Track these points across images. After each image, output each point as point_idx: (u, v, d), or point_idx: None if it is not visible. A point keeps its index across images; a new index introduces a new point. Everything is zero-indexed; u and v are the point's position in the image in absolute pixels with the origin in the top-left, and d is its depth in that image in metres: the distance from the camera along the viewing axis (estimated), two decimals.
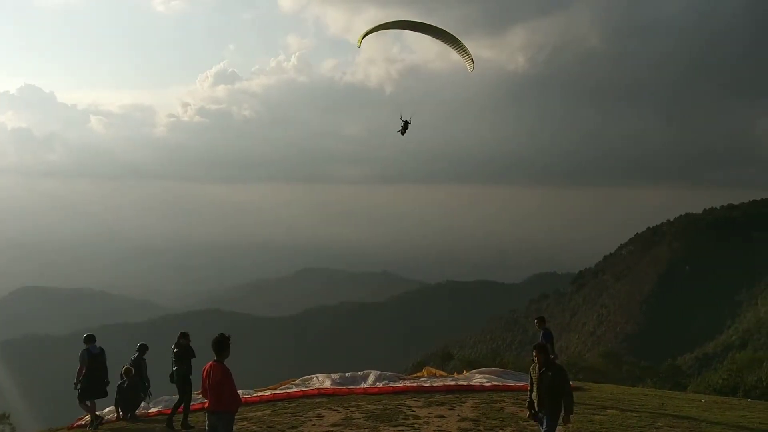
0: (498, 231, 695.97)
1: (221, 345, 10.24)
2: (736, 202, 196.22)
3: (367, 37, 18.93)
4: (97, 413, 16.08)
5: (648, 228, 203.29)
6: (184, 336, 15.02)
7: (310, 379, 19.81)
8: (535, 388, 10.73)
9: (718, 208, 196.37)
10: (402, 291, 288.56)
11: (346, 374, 20.27)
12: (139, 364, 16.86)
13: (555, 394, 10.46)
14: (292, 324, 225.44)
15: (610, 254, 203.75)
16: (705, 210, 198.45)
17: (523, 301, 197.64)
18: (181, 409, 14.77)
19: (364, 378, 19.88)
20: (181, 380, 14.75)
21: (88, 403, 15.47)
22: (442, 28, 18.25)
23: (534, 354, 10.86)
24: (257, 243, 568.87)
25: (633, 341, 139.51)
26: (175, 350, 14.85)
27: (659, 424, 14.16)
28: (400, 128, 19.73)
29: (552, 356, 17.15)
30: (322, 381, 19.35)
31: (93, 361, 15.13)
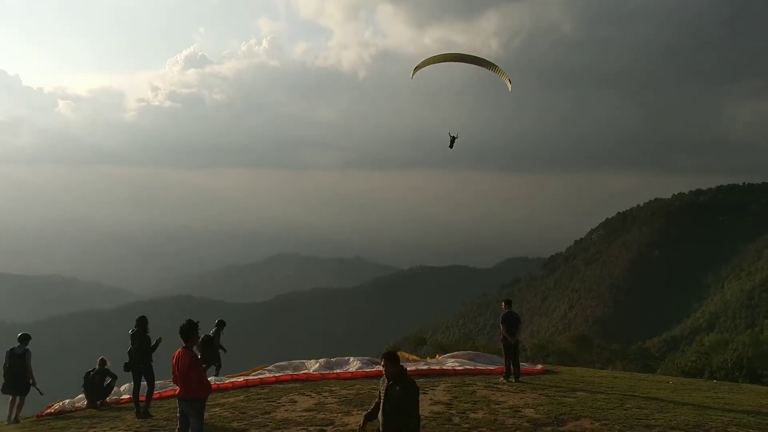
0: (470, 216, 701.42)
1: (188, 331, 10.12)
2: (704, 188, 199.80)
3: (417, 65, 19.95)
4: (66, 401, 16.08)
5: (618, 213, 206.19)
6: (140, 323, 14.73)
7: (302, 364, 19.78)
8: (381, 406, 8.85)
9: (686, 193, 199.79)
10: (375, 276, 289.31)
11: (332, 359, 20.24)
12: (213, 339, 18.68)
13: (402, 415, 8.58)
14: (264, 310, 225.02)
15: (581, 239, 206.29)
16: (673, 195, 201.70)
17: (495, 286, 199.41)
18: (142, 397, 14.61)
19: (348, 362, 19.90)
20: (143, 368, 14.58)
21: (10, 398, 15.39)
22: (492, 61, 19.44)
23: (382, 363, 8.91)
24: (229, 229, 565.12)
25: (603, 324, 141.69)
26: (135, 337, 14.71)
27: (628, 405, 14.36)
28: (450, 143, 20.40)
29: (513, 339, 17.30)
30: (311, 366, 19.33)
31: (13, 360, 15.13)
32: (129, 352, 14.49)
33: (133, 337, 14.46)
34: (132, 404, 14.75)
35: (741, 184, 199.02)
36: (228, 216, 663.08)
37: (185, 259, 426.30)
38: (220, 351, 19.38)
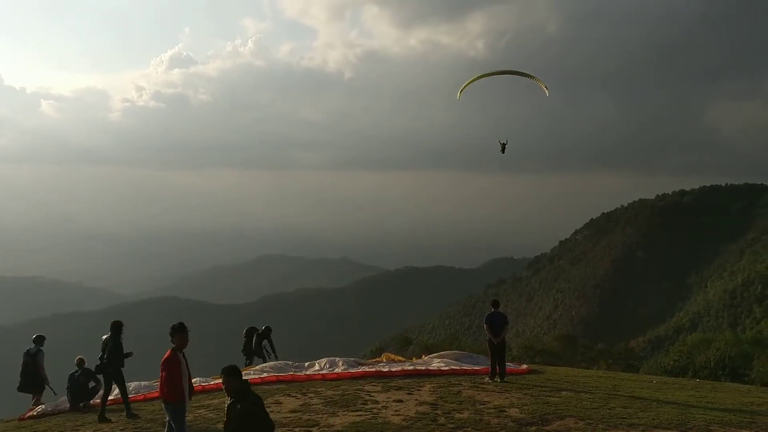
0: (456, 217, 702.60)
1: (170, 331, 10.10)
2: (687, 188, 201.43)
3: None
4: (48, 404, 16.14)
5: (602, 213, 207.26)
6: (113, 327, 14.68)
7: (313, 364, 19.83)
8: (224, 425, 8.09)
9: (670, 194, 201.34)
10: (361, 277, 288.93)
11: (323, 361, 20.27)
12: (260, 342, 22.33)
13: None
14: (249, 311, 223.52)
15: (566, 239, 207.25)
16: (657, 196, 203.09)
17: (481, 286, 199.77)
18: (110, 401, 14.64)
19: (334, 363, 19.89)
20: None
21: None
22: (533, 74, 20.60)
23: (222, 379, 8.09)
24: (214, 230, 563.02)
25: (588, 324, 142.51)
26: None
27: (612, 404, 14.46)
28: (501, 149, 21.30)
29: (497, 339, 17.39)
30: (311, 368, 19.45)
31: (27, 360, 16.12)
32: (100, 358, 14.61)
33: (105, 343, 14.49)
34: (114, 406, 14.68)
35: (723, 185, 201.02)
36: (214, 217, 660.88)
37: (171, 260, 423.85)
38: (265, 352, 22.67)
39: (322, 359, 20.34)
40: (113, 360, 14.30)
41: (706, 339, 39.48)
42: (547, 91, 20.40)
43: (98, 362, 14.64)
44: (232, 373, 8.00)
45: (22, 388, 16.18)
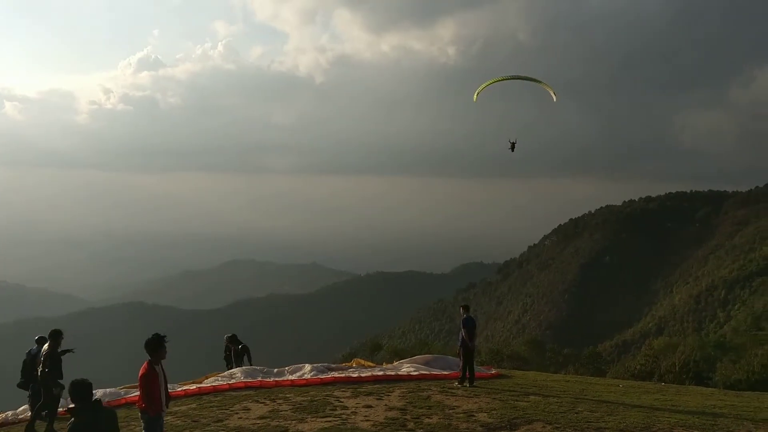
0: (427, 222, 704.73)
1: (148, 345, 9.92)
2: (653, 195, 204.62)
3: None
4: (8, 412, 15.98)
5: (570, 219, 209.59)
6: (52, 336, 14.67)
7: (301, 368, 19.71)
8: None
9: (637, 200, 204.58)
10: (331, 282, 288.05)
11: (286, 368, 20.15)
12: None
13: None
14: (218, 317, 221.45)
15: (534, 245, 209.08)
16: (624, 202, 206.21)
17: (451, 291, 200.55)
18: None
19: (303, 369, 19.79)
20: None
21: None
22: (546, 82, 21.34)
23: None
24: (182, 234, 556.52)
25: (556, 329, 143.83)
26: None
27: (580, 408, 14.62)
28: (511, 147, 21.76)
29: (472, 344, 17.55)
30: (309, 370, 19.37)
31: (28, 359, 15.86)
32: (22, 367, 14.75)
33: (34, 353, 14.53)
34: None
35: (688, 191, 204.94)
36: (183, 221, 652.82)
37: (138, 265, 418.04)
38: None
39: (291, 365, 20.24)
40: (53, 371, 14.25)
41: (671, 343, 40.28)
42: (555, 97, 21.21)
43: (36, 373, 14.54)
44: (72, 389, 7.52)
45: (21, 386, 16.26)
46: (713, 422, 13.59)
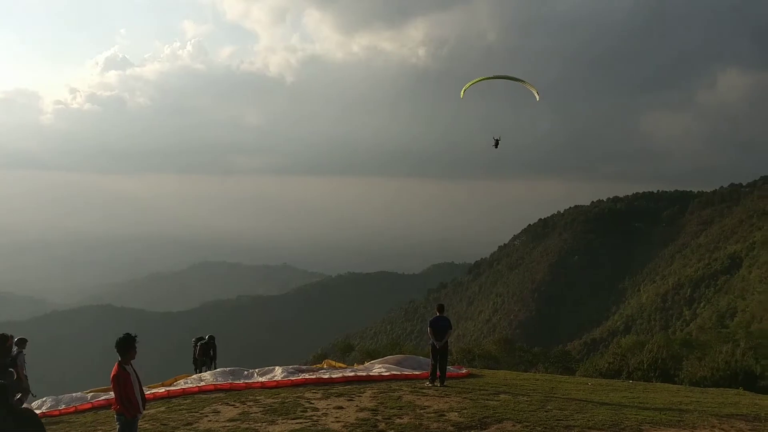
0: (399, 222, 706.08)
1: (117, 345, 9.79)
2: (621, 195, 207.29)
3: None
4: None
5: (540, 219, 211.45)
6: (19, 343, 14.58)
7: (271, 370, 19.55)
8: None
9: (605, 200, 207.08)
10: (302, 283, 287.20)
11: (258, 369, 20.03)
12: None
13: None
14: (188, 319, 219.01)
15: (504, 245, 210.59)
16: (592, 202, 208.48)
17: (422, 291, 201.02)
18: None
19: (273, 371, 19.69)
20: None
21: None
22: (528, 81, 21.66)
23: None
24: (151, 236, 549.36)
25: (526, 328, 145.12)
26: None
27: (549, 407, 14.75)
28: (495, 144, 22.12)
29: (440, 344, 17.58)
30: (281, 372, 19.20)
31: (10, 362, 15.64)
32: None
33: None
34: (45, 419, 14.15)
35: (655, 191, 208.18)
36: (152, 223, 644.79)
37: (106, 267, 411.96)
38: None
39: (262, 367, 20.12)
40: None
41: (639, 341, 40.75)
42: (537, 96, 21.56)
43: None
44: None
45: None
46: (680, 418, 13.81)
